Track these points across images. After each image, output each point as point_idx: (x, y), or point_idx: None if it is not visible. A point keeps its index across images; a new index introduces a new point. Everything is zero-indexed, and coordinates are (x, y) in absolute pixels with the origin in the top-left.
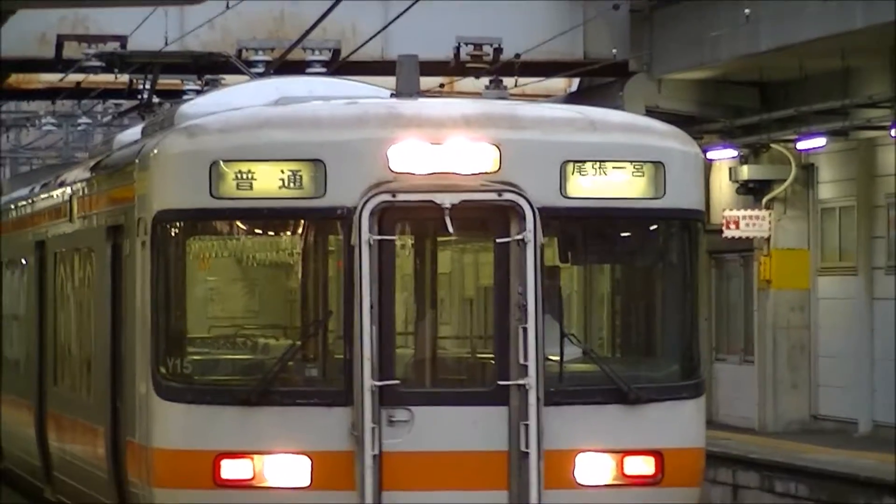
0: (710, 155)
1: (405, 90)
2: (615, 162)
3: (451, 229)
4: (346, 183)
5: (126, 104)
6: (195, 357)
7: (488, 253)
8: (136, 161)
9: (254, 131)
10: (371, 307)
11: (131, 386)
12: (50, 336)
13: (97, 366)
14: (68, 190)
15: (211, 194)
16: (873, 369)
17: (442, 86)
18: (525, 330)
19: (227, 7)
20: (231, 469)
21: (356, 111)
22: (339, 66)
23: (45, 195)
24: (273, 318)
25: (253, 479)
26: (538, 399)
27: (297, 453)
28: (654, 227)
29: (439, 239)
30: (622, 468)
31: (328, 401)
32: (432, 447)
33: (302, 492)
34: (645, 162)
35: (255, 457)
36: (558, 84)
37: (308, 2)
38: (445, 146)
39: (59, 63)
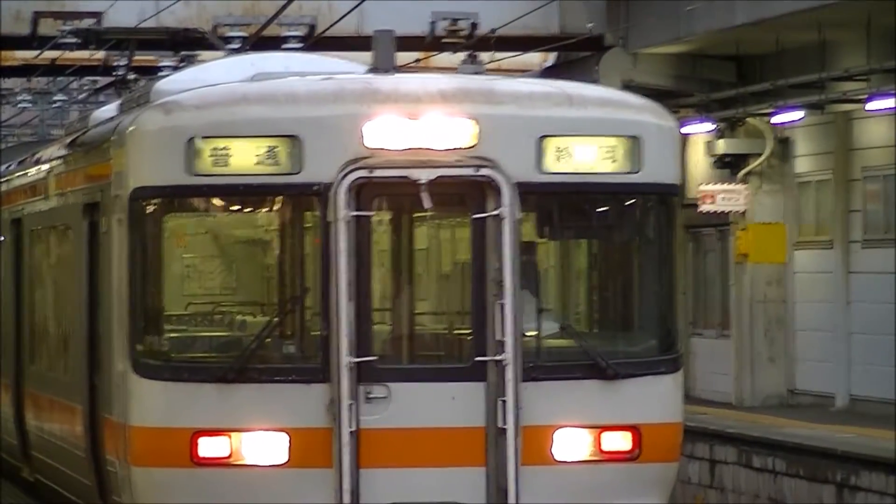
0: (686, 129)
1: (381, 65)
2: (592, 136)
3: (427, 205)
4: (323, 159)
5: (102, 81)
6: (172, 334)
7: (465, 228)
8: (113, 138)
9: (230, 107)
10: (348, 283)
11: (109, 364)
12: (27, 314)
13: (74, 344)
14: (44, 167)
15: (187, 171)
16: (850, 343)
17: (418, 61)
18: (502, 306)
19: None
20: (208, 447)
21: (332, 87)
22: (315, 41)
23: (21, 173)
24: (250, 294)
25: (230, 456)
26: (515, 375)
27: (275, 430)
28: (631, 201)
29: (416, 214)
30: (600, 444)
31: (305, 377)
32: (410, 423)
33: (279, 469)
34: (621, 136)
35: (233, 434)
36: (534, 59)
37: None
38: (422, 121)
39: (34, 40)
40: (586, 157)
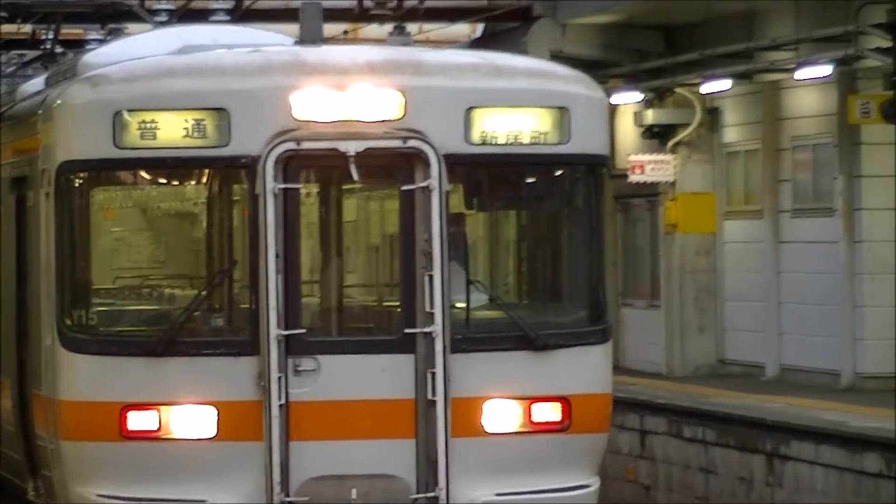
0: (614, 99)
1: (309, 37)
2: (520, 107)
3: (355, 177)
4: (251, 131)
5: (30, 54)
6: (100, 308)
7: (394, 200)
8: (40, 112)
9: (157, 80)
10: (276, 256)
11: (37, 338)
12: None
13: (3, 318)
14: None
15: (115, 144)
16: (780, 313)
17: (346, 33)
18: (431, 277)
19: None
20: (137, 420)
21: (260, 59)
22: (243, 14)
23: None
24: (179, 268)
25: (159, 430)
26: (445, 346)
27: (204, 403)
28: (560, 172)
29: (344, 187)
30: (529, 415)
31: (234, 350)
32: (339, 396)
33: (208, 443)
34: (549, 107)
35: (162, 408)
36: (462, 30)
37: None
38: (349, 93)
39: None
40: (514, 129)
